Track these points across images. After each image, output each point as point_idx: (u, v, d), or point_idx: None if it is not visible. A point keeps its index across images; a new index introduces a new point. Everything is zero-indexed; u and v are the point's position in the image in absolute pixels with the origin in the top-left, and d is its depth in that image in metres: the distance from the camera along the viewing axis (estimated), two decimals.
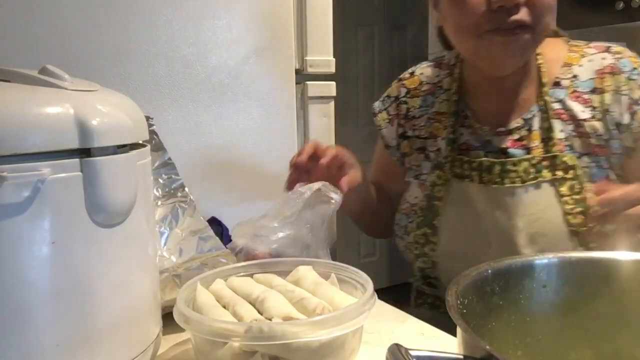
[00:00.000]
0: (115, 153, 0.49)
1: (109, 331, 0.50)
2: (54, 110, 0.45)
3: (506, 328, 0.45)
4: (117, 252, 0.51)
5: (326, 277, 0.66)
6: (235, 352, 0.51)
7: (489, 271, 0.43)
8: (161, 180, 0.69)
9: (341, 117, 3.14)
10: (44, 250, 0.45)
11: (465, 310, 0.40)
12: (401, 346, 0.29)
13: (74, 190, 0.46)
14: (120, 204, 0.50)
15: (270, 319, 0.54)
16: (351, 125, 3.28)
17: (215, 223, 0.92)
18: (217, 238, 0.69)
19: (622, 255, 0.45)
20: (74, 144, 0.46)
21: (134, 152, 0.51)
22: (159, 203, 0.68)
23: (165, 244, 0.67)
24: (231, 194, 0.96)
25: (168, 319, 0.58)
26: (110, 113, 0.49)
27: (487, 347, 0.28)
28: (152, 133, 0.72)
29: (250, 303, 0.58)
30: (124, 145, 0.50)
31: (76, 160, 0.46)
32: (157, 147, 0.71)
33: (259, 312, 0.57)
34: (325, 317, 0.54)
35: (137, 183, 0.52)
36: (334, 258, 0.73)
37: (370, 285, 0.59)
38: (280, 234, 0.74)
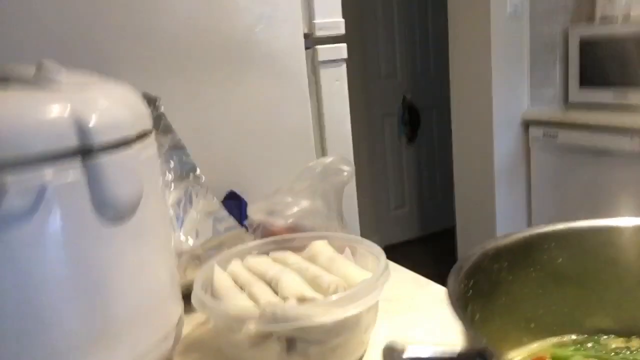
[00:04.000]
0: (117, 149, 0.49)
1: (130, 321, 0.52)
2: (50, 113, 0.45)
3: (518, 302, 0.44)
4: (129, 246, 0.51)
5: (341, 250, 0.66)
6: (251, 334, 0.52)
7: (495, 248, 0.42)
8: (172, 163, 0.69)
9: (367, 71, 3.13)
10: (56, 252, 0.46)
11: (471, 291, 0.39)
12: (395, 349, 0.29)
13: (78, 191, 0.46)
14: (127, 200, 0.50)
15: (285, 299, 0.55)
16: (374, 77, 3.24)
17: (234, 197, 0.92)
18: (232, 218, 0.69)
19: (632, 221, 0.44)
20: (73, 145, 0.46)
21: (137, 145, 0.51)
22: (172, 187, 0.68)
23: (181, 227, 0.68)
24: (246, 168, 0.96)
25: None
26: (109, 108, 0.49)
27: (483, 339, 0.28)
28: (160, 115, 0.72)
29: (266, 283, 0.59)
30: (125, 140, 0.50)
31: (78, 162, 0.46)
32: (166, 129, 0.71)
33: (274, 292, 0.57)
34: (338, 297, 0.54)
35: (143, 176, 0.52)
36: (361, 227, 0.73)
37: (383, 257, 0.59)
38: (295, 208, 0.74)
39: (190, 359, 0.60)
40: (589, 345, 0.45)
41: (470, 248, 0.41)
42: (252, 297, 0.56)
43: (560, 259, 0.45)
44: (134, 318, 0.52)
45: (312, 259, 0.64)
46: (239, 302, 0.55)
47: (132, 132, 0.51)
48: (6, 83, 0.48)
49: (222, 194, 0.91)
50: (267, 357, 0.53)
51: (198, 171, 0.71)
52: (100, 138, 0.47)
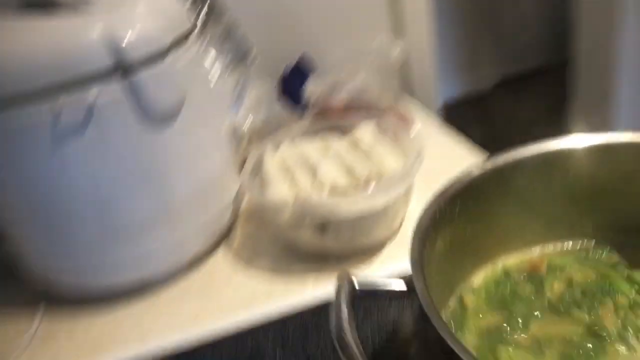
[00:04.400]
0: (152, 62, 0.53)
1: (188, 201, 0.61)
2: (85, 38, 0.50)
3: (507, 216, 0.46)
4: (177, 142, 0.58)
5: (386, 132, 0.68)
6: (288, 218, 0.58)
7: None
8: (227, 49, 0.72)
9: None
10: (110, 157, 0.54)
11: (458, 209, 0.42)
12: (351, 281, 0.33)
13: (121, 104, 0.53)
14: (167, 109, 0.56)
15: (321, 188, 0.61)
16: None
17: (298, 71, 0.94)
18: (287, 101, 0.72)
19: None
20: (110, 64, 0.51)
21: (172, 55, 0.55)
22: (229, 72, 0.72)
23: (239, 109, 0.73)
24: (315, 40, 0.95)
25: None
26: (140, 25, 0.52)
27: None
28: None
29: (309, 169, 0.64)
30: (160, 52, 0.54)
31: (117, 79, 0.52)
32: (220, 12, 0.72)
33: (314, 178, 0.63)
34: (366, 190, 0.58)
35: (181, 84, 0.57)
36: None
37: (417, 150, 0.61)
38: (352, 85, 0.75)
39: (248, 229, 0.69)
40: (584, 255, 0.47)
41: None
42: (293, 181, 0.62)
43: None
44: (191, 199, 0.61)
45: (354, 144, 0.67)
46: (279, 190, 0.61)
47: (166, 41, 0.54)
48: (42, 9, 0.53)
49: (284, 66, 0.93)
50: (302, 237, 0.60)
51: (254, 53, 0.73)
52: (134, 54, 0.52)
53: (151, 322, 0.58)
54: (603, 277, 0.44)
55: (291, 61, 0.93)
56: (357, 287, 0.34)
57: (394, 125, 0.68)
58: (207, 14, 0.71)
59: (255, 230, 0.68)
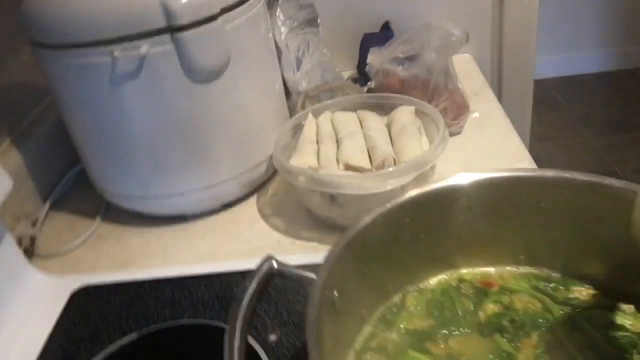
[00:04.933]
0: (200, 25, 0.60)
1: (227, 150, 0.68)
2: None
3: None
4: (221, 97, 0.65)
5: (425, 120, 0.69)
6: (302, 185, 0.64)
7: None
8: (297, 10, 0.76)
9: None
10: (156, 103, 0.63)
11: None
12: (271, 260, 0.38)
13: (169, 59, 0.60)
14: (213, 66, 0.63)
15: (339, 162, 0.65)
16: None
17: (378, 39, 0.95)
18: (338, 74, 0.75)
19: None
20: (162, 24, 0.58)
21: (221, 18, 0.61)
22: (295, 32, 0.76)
23: (299, 70, 0.78)
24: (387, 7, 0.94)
25: None
26: None
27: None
28: None
29: (335, 140, 0.68)
30: (208, 17, 0.60)
31: (167, 36, 0.59)
32: None
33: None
34: (373, 173, 0.62)
35: (228, 45, 0.63)
36: None
37: (438, 142, 0.62)
38: (404, 69, 0.77)
39: (281, 185, 0.75)
40: (546, 286, 0.47)
41: None
42: (318, 152, 0.67)
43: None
44: (229, 150, 0.69)
45: (390, 124, 0.70)
46: (303, 157, 0.66)
47: (215, 9, 0.60)
48: None
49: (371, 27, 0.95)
50: (313, 203, 0.65)
51: (318, 21, 0.77)
52: (183, 18, 0.58)
53: (174, 250, 0.68)
54: (545, 311, 0.45)
55: (372, 29, 0.95)
56: (275, 267, 0.40)
57: (437, 111, 0.68)
58: None
59: (285, 188, 0.74)
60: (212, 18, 0.60)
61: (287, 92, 0.79)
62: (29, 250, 0.70)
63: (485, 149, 0.76)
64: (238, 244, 0.67)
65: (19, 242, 0.70)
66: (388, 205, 0.44)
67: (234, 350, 0.34)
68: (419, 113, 0.70)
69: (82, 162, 0.74)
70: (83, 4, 0.58)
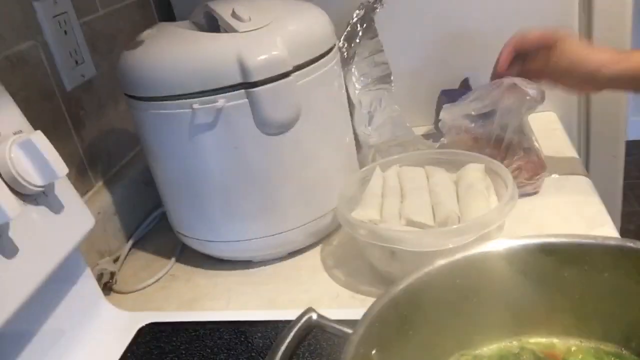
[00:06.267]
0: (273, 81, 0.63)
1: (293, 201, 0.70)
2: (223, 55, 0.62)
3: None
4: (289, 150, 0.68)
5: (495, 179, 0.68)
6: (363, 239, 0.64)
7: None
8: (371, 67, 0.78)
9: None
10: (229, 153, 0.66)
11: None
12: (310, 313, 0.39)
13: (243, 113, 0.64)
14: (283, 120, 0.66)
15: (401, 217, 0.65)
16: None
17: (465, 85, 0.95)
18: (409, 129, 0.76)
19: None
20: (238, 79, 0.62)
21: (294, 75, 0.64)
22: (368, 89, 0.78)
23: (370, 125, 0.79)
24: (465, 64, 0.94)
25: None
26: (269, 50, 0.62)
27: None
28: (372, 19, 0.79)
29: (400, 195, 0.68)
30: (281, 74, 0.63)
31: (242, 92, 0.63)
32: (372, 33, 0.78)
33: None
34: (434, 230, 0.61)
35: (299, 100, 0.66)
36: None
37: (506, 201, 0.60)
38: (478, 126, 0.76)
39: (343, 234, 0.76)
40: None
41: None
42: (382, 206, 0.67)
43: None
44: (296, 201, 0.71)
45: (458, 180, 0.69)
46: (366, 210, 0.66)
47: (288, 66, 0.63)
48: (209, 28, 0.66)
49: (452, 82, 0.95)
50: (374, 257, 0.65)
51: (392, 78, 0.78)
52: (258, 75, 0.62)
53: (238, 294, 0.70)
54: None
55: (450, 86, 0.95)
56: (314, 318, 0.40)
57: (507, 169, 0.67)
58: (355, 37, 0.78)
59: (350, 240, 0.74)
60: (284, 75, 0.63)
61: (359, 146, 0.80)
62: (108, 285, 0.75)
63: (563, 212, 0.72)
64: (298, 293, 0.68)
65: (100, 276, 0.75)
66: (437, 264, 0.43)
67: None
68: (489, 171, 0.69)
69: (163, 204, 0.79)
70: (168, 62, 0.64)
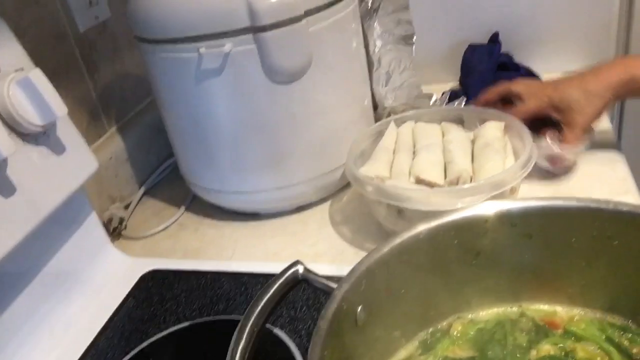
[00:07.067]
0: (282, 26, 0.60)
1: (302, 154, 0.68)
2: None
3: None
4: (298, 100, 0.65)
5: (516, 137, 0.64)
6: (370, 195, 0.62)
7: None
8: (395, 24, 0.73)
9: None
10: (237, 100, 0.64)
11: None
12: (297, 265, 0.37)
13: (251, 59, 0.61)
14: (293, 68, 0.63)
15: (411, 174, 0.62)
16: None
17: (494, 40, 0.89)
18: (425, 96, 0.72)
19: None
20: (246, 23, 0.60)
21: (305, 20, 0.61)
22: (389, 47, 0.74)
23: (387, 85, 0.75)
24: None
25: None
26: None
27: None
28: None
29: (412, 152, 0.65)
30: (291, 19, 0.60)
31: (250, 36, 0.60)
32: None
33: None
34: (442, 189, 0.58)
35: (310, 47, 0.63)
36: None
37: (521, 162, 0.57)
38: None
39: (354, 192, 0.73)
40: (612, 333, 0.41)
41: None
42: (391, 162, 0.65)
43: None
44: (308, 151, 0.68)
45: (475, 139, 0.65)
46: (375, 166, 0.64)
47: (299, 11, 0.60)
48: None
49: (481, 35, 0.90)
50: (381, 214, 0.63)
51: (414, 39, 0.74)
52: (267, 18, 0.59)
53: (243, 246, 0.69)
54: None
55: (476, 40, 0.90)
56: (300, 272, 0.38)
57: (526, 128, 0.63)
58: None
59: (359, 197, 0.72)
60: (295, 20, 0.60)
61: (375, 105, 0.77)
62: (117, 230, 0.75)
63: (586, 177, 0.68)
64: (303, 247, 0.66)
65: (109, 221, 0.75)
66: (434, 223, 0.41)
67: (237, 347, 0.33)
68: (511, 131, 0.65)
69: (174, 153, 0.78)
70: (175, 4, 0.61)
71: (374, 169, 0.63)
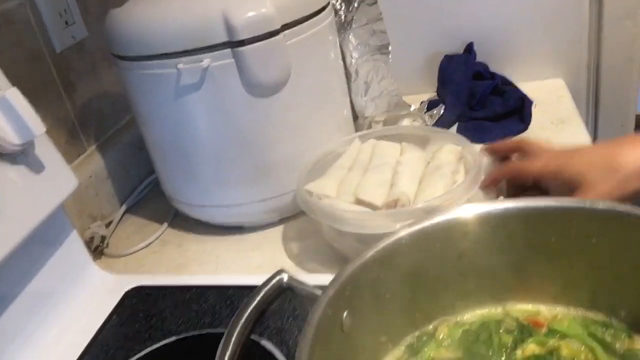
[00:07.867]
0: (260, 40, 0.61)
1: (278, 166, 0.68)
2: (208, 12, 0.60)
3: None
4: (277, 113, 0.66)
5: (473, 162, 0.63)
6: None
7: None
8: (370, 35, 0.75)
9: None
10: (217, 115, 0.65)
11: None
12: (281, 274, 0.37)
13: (230, 73, 0.62)
14: (272, 81, 0.63)
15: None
16: None
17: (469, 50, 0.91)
18: (405, 103, 0.73)
19: None
20: (223, 38, 0.60)
21: (282, 34, 0.62)
22: (365, 58, 0.76)
23: (366, 95, 0.76)
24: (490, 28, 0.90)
25: None
26: (256, 7, 0.60)
27: None
28: None
29: (363, 170, 0.65)
30: (269, 33, 0.61)
31: (228, 51, 0.61)
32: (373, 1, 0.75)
33: None
34: (375, 212, 0.58)
35: (288, 60, 0.63)
36: None
37: (459, 186, 0.57)
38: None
39: None
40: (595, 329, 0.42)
41: None
42: (342, 180, 0.64)
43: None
44: (289, 162, 0.68)
45: (432, 159, 0.64)
46: (323, 183, 0.64)
47: (276, 25, 0.61)
48: None
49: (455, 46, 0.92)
50: (325, 232, 0.64)
51: (390, 48, 0.75)
52: (244, 33, 0.60)
53: (227, 260, 0.69)
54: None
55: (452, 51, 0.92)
56: (285, 280, 0.38)
57: (481, 155, 0.62)
58: (354, 1, 0.75)
59: None
60: (273, 33, 0.61)
61: (355, 116, 0.78)
62: (99, 249, 0.75)
63: None
64: (286, 259, 0.66)
65: (91, 240, 0.74)
66: (414, 228, 0.41)
67: (224, 357, 0.33)
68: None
69: (155, 170, 0.78)
70: (152, 20, 0.62)
71: (322, 186, 0.63)
